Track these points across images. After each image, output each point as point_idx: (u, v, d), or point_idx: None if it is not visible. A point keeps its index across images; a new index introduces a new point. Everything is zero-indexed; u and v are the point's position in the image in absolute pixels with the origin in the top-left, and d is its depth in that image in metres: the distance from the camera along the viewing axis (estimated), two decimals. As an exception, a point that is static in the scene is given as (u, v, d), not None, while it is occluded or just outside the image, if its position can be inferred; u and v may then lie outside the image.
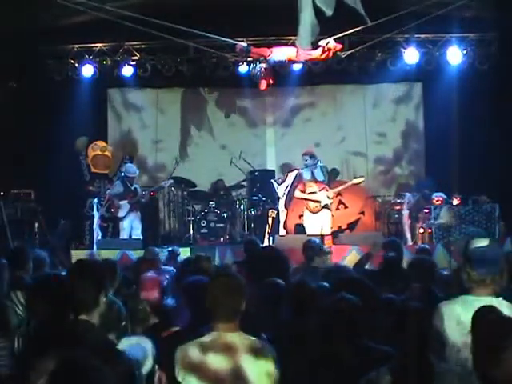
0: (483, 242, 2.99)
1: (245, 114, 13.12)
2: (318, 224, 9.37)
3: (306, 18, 7.98)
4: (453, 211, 9.88)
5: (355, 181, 9.71)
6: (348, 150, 12.81)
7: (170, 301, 4.14)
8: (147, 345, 3.21)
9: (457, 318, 2.89)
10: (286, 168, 11.91)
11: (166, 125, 13.14)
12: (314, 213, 9.43)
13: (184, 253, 8.17)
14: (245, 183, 12.27)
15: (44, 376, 1.99)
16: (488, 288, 2.94)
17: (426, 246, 7.97)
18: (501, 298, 2.92)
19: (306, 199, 9.50)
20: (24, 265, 4.98)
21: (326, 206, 9.40)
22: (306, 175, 9.53)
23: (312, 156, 9.59)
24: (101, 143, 11.92)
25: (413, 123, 13.02)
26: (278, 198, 10.35)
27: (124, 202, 10.03)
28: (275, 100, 12.96)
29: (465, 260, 3.00)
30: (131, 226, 10.06)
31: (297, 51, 8.58)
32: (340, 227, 10.51)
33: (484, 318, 2.52)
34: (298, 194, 9.64)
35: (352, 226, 11.11)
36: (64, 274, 3.27)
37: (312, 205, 9.42)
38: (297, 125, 12.97)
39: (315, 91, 13.03)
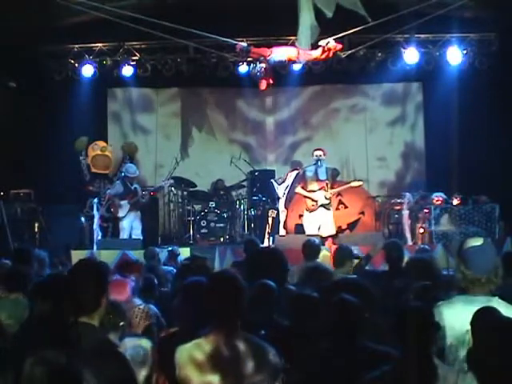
0: (477, 242, 2.99)
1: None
2: (316, 223, 9.44)
3: (306, 19, 7.99)
4: (453, 218, 9.88)
5: (354, 184, 9.79)
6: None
7: (137, 301, 4.16)
8: (148, 346, 3.22)
9: (454, 317, 2.89)
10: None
11: (166, 127, 13.18)
12: (310, 211, 9.52)
13: (184, 253, 8.17)
14: (245, 183, 12.27)
15: (30, 377, 1.98)
16: (483, 287, 2.94)
17: (426, 247, 7.97)
18: (496, 297, 2.93)
19: (304, 196, 9.58)
20: (29, 265, 5.01)
21: (322, 206, 9.45)
22: (309, 173, 9.59)
23: (324, 154, 9.65)
24: (101, 143, 11.91)
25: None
26: (278, 197, 10.35)
27: (124, 202, 10.02)
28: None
29: (459, 260, 3.00)
30: (131, 225, 10.05)
31: (297, 51, 8.59)
32: (340, 227, 10.51)
33: (483, 319, 2.52)
34: (298, 189, 9.73)
35: (352, 226, 11.11)
36: (66, 274, 3.26)
37: (309, 203, 9.53)
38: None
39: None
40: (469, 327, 2.63)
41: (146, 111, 13.18)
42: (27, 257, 5.22)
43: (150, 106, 13.20)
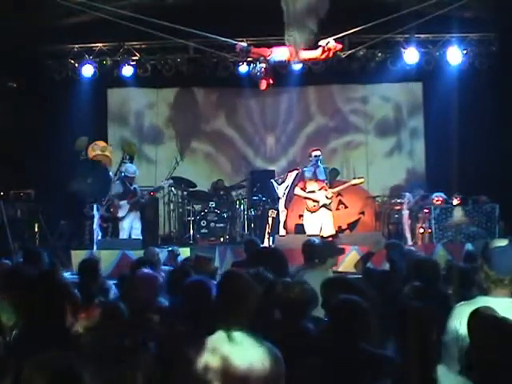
0: (503, 242, 2.96)
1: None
2: (317, 223, 9.37)
3: (291, 18, 8.01)
4: (464, 210, 9.90)
5: (355, 181, 9.71)
6: None
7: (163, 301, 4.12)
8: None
9: None
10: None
11: (166, 128, 13.19)
12: (312, 212, 9.44)
13: (184, 253, 8.16)
14: (245, 183, 12.27)
15: (30, 379, 1.98)
16: (506, 289, 2.90)
17: (412, 249, 7.97)
18: None
19: (304, 197, 9.52)
20: (38, 265, 5.03)
21: (324, 206, 9.40)
22: (308, 173, 9.56)
23: (321, 154, 9.67)
24: (101, 143, 11.89)
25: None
26: (278, 198, 10.35)
27: (124, 202, 10.01)
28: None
29: (483, 260, 2.97)
30: (131, 226, 10.04)
31: (291, 51, 8.58)
32: (340, 227, 10.50)
33: (479, 319, 2.51)
34: (297, 190, 9.63)
35: (352, 225, 11.10)
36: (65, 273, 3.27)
37: (310, 204, 9.44)
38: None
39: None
40: None
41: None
42: (37, 257, 5.24)
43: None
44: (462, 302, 3.02)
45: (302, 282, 3.72)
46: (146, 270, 4.14)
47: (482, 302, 2.89)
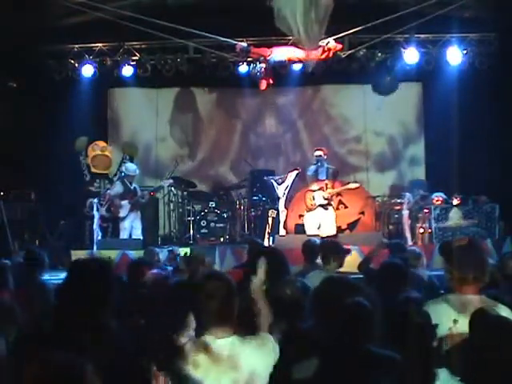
0: (463, 241, 3.01)
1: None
2: (315, 222, 9.54)
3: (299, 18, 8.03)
4: (461, 212, 9.90)
5: (351, 185, 9.79)
6: None
7: None
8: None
9: (440, 316, 2.89)
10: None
11: (166, 128, 13.18)
12: (309, 211, 9.64)
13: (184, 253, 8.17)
14: (245, 183, 12.27)
15: (33, 377, 1.98)
16: (471, 286, 2.94)
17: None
18: (483, 296, 2.94)
19: (306, 196, 9.68)
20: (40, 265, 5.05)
21: (321, 206, 9.52)
22: (310, 172, 9.73)
23: (325, 154, 9.72)
24: (101, 143, 11.91)
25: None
26: (278, 197, 10.36)
27: (125, 202, 10.02)
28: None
29: (446, 259, 3.02)
30: (131, 225, 10.05)
31: (304, 52, 8.59)
32: (340, 227, 10.50)
33: (481, 318, 2.52)
34: (304, 189, 9.84)
35: (352, 226, 11.08)
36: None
37: (308, 203, 9.64)
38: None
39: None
40: (451, 325, 2.70)
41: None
42: (39, 258, 5.26)
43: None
44: (430, 301, 3.05)
45: (294, 281, 3.70)
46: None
47: (446, 300, 2.94)
